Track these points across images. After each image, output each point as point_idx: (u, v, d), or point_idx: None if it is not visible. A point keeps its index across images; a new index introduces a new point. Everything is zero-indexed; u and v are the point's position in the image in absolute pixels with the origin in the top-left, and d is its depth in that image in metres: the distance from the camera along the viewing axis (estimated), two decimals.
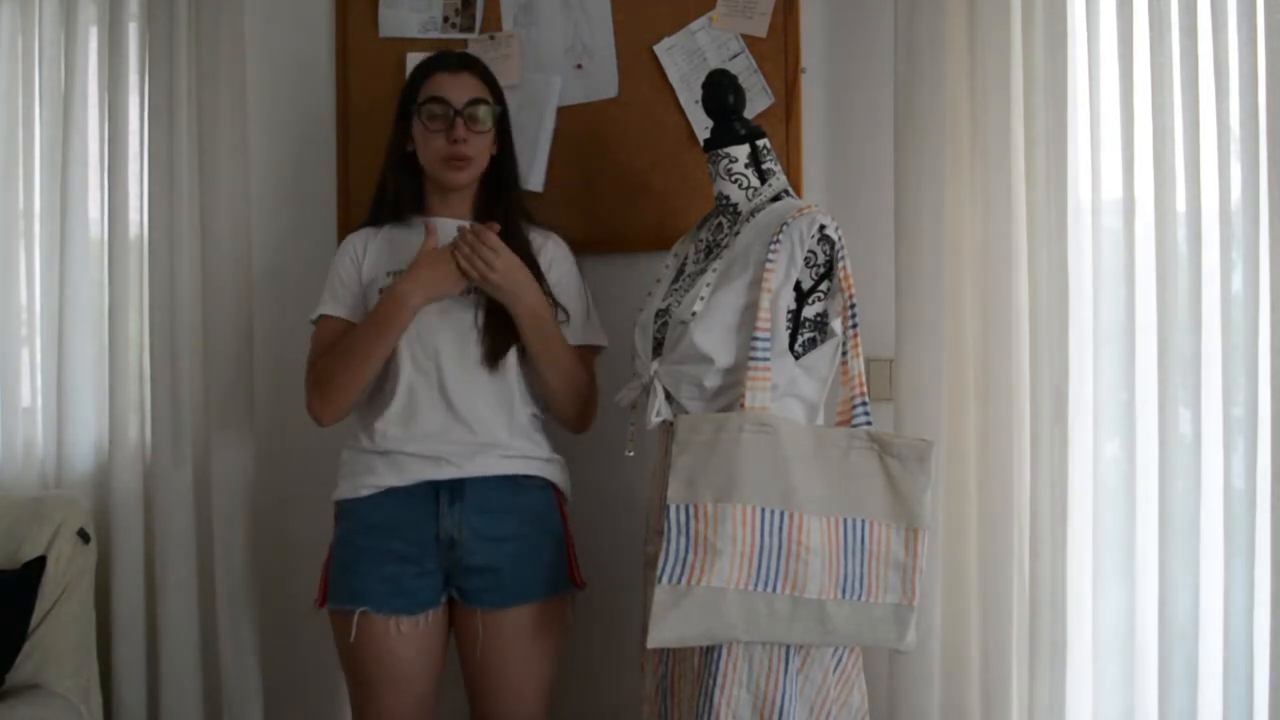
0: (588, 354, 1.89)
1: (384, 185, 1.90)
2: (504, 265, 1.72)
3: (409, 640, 1.77)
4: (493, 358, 1.78)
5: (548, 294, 1.82)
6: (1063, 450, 1.85)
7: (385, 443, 1.78)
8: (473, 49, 2.18)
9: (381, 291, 1.81)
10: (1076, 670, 1.86)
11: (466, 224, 1.81)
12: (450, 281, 1.75)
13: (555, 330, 1.81)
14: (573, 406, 1.86)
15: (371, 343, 1.75)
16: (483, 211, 1.88)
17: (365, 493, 1.79)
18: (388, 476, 1.78)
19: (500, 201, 1.88)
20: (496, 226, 1.74)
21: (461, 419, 1.77)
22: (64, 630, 2.08)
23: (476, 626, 1.79)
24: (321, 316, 1.87)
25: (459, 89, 1.81)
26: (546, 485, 1.85)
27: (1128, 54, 1.82)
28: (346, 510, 1.83)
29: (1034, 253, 1.87)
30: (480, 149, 1.84)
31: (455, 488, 1.77)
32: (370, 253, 1.87)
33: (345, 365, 1.76)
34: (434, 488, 1.77)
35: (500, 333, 1.78)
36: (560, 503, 1.87)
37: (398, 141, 1.88)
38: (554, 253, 1.90)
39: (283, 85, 2.34)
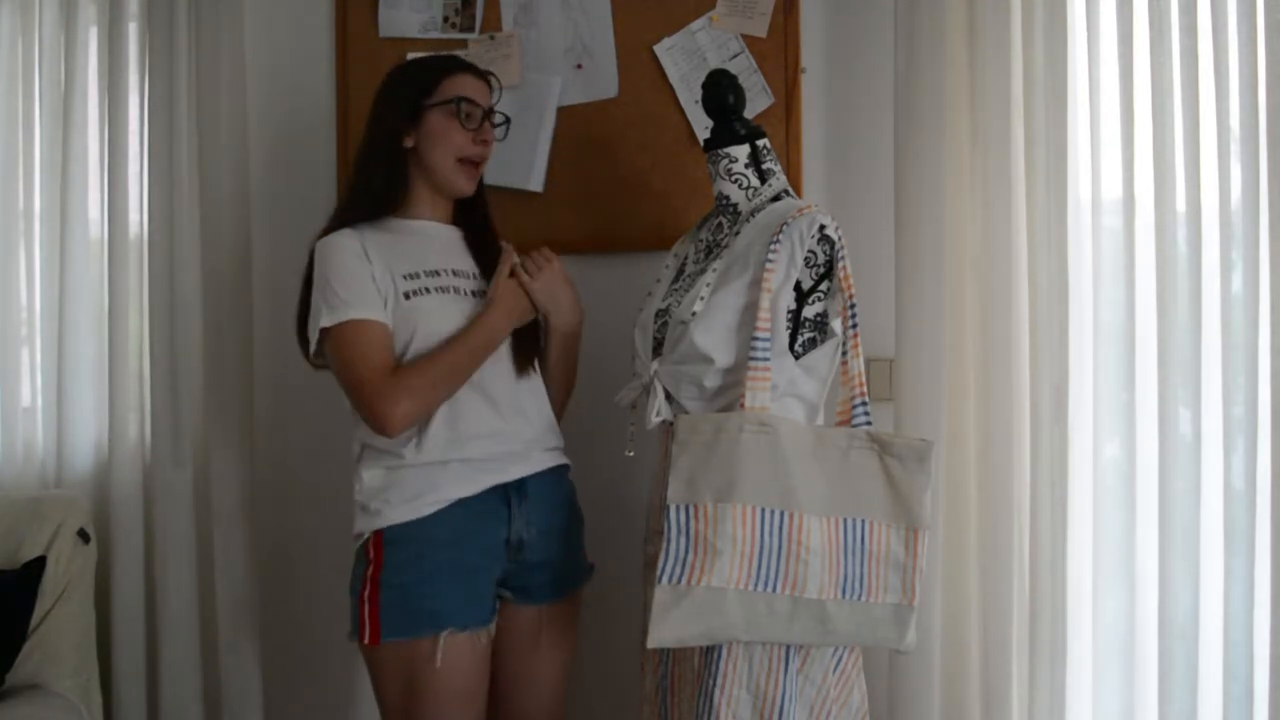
0: None
1: (369, 180, 1.79)
2: (545, 276, 1.77)
3: (483, 654, 1.74)
4: (525, 361, 1.80)
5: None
6: (1063, 450, 1.85)
7: (438, 452, 1.71)
8: (472, 49, 2.19)
9: (409, 296, 1.73)
10: (1076, 670, 1.86)
11: (450, 227, 1.86)
12: (528, 307, 1.79)
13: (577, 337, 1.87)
14: (565, 400, 1.92)
15: (473, 366, 1.73)
16: (460, 214, 1.87)
17: (430, 510, 1.70)
18: (452, 489, 1.71)
19: (479, 205, 1.88)
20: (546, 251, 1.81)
21: (508, 419, 1.76)
22: (64, 630, 2.08)
23: (534, 622, 1.79)
24: (351, 321, 1.69)
25: (485, 93, 1.82)
26: (567, 470, 1.87)
27: (1128, 54, 1.82)
28: (402, 534, 1.70)
29: (1034, 252, 1.87)
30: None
31: (519, 487, 1.76)
32: (372, 255, 1.74)
33: (446, 383, 1.71)
34: (503, 491, 1.74)
35: (530, 337, 1.81)
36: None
37: (394, 135, 1.78)
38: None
39: (283, 85, 2.34)
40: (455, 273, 1.80)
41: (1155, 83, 1.79)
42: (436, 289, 1.76)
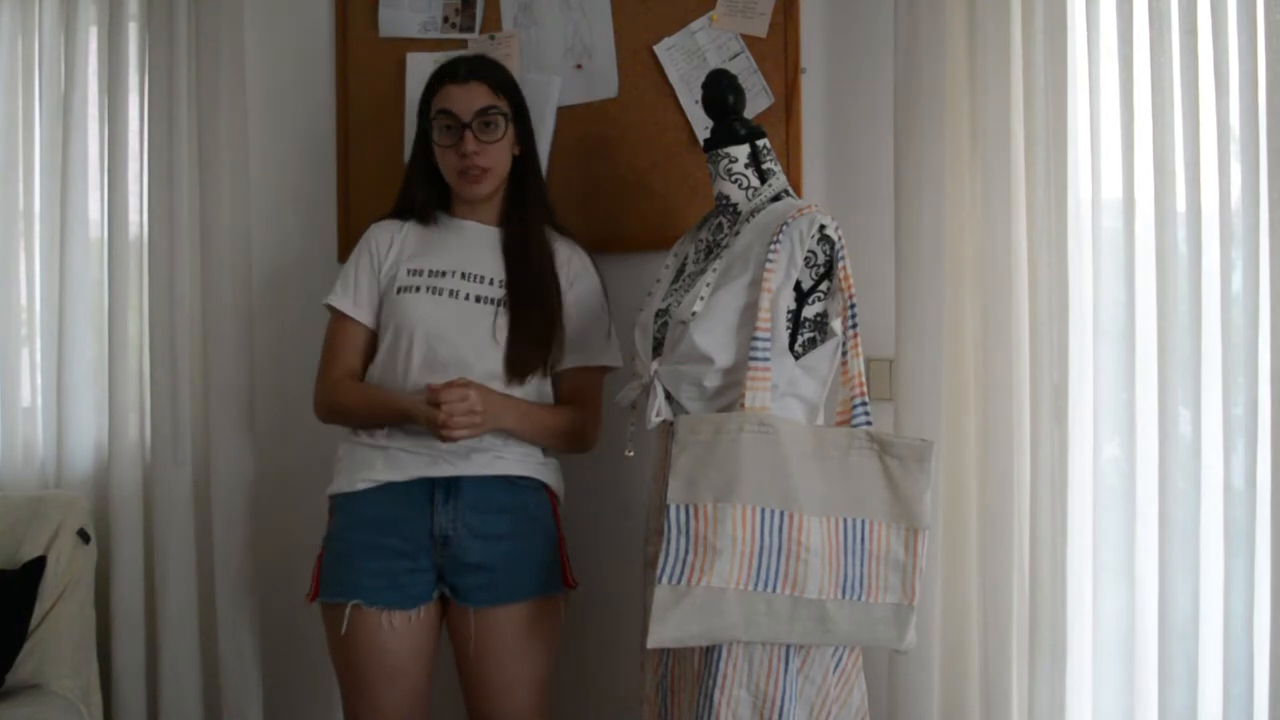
0: (596, 374, 1.90)
1: (408, 188, 1.93)
2: (484, 411, 1.70)
3: (401, 635, 1.78)
4: (516, 374, 1.80)
5: (556, 310, 1.84)
6: (1063, 450, 1.85)
7: (384, 439, 1.82)
8: (472, 49, 2.18)
9: (400, 291, 1.84)
10: (1076, 670, 1.86)
11: (492, 229, 1.88)
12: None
13: (540, 416, 1.83)
14: (569, 447, 1.89)
15: (379, 425, 1.83)
16: (508, 215, 1.90)
17: (362, 486, 1.81)
18: (385, 472, 1.80)
19: (525, 205, 1.90)
20: (459, 388, 1.70)
21: None
22: (64, 630, 2.08)
23: (469, 624, 1.80)
24: (333, 308, 1.90)
25: (467, 100, 1.83)
26: (540, 486, 1.86)
27: (1128, 54, 1.81)
28: (342, 504, 1.84)
29: (1034, 252, 1.86)
30: (496, 158, 1.85)
31: (451, 485, 1.79)
32: (395, 246, 1.89)
33: (349, 421, 1.87)
34: (429, 484, 1.79)
35: (526, 347, 1.80)
36: (554, 504, 1.88)
37: (421, 148, 1.90)
38: (578, 269, 1.91)
39: (283, 85, 2.34)
40: (465, 275, 1.83)
41: (1155, 83, 1.79)
42: (429, 289, 1.83)
